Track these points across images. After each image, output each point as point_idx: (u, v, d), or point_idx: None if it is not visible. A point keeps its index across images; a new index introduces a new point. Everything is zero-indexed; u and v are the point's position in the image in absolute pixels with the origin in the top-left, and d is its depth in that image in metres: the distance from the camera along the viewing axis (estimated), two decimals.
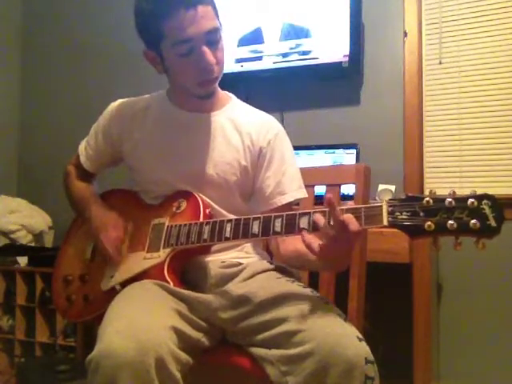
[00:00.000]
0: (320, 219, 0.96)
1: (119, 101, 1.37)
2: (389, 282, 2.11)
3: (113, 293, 1.14)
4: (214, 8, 1.17)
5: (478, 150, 2.20)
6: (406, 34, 2.33)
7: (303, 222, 0.99)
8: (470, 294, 2.17)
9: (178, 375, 0.95)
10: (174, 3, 1.10)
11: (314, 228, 0.98)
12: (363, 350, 0.94)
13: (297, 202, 1.29)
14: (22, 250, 2.69)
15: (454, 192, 0.88)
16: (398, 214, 0.89)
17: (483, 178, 2.15)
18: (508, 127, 2.16)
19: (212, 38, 1.15)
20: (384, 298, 2.13)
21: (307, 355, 0.94)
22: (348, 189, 1.80)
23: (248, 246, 1.29)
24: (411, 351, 1.93)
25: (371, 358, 0.95)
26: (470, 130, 2.22)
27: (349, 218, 0.91)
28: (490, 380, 2.12)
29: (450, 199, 0.86)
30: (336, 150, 2.29)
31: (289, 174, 1.28)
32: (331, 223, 0.93)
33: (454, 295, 2.20)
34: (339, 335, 0.94)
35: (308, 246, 0.95)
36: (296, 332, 0.98)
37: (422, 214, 0.88)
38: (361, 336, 0.97)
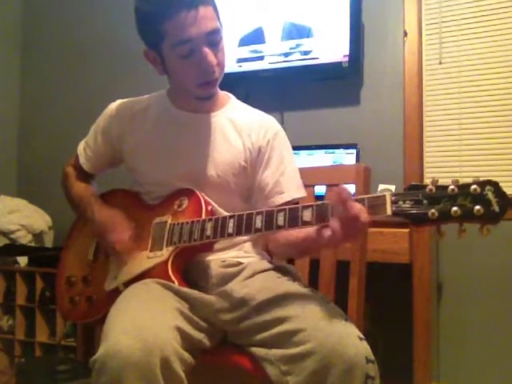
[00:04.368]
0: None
1: (118, 101, 1.36)
2: (389, 282, 2.11)
3: (116, 293, 1.13)
4: (215, 9, 1.17)
5: (478, 150, 2.20)
6: (405, 34, 2.33)
7: (306, 215, 0.99)
8: (470, 294, 2.17)
9: (182, 375, 0.95)
10: (175, 4, 1.10)
11: (318, 220, 0.97)
12: (364, 349, 0.94)
13: (296, 202, 1.29)
14: (22, 250, 2.69)
15: (456, 180, 0.87)
16: (401, 203, 0.89)
17: (483, 178, 2.14)
18: (508, 127, 2.16)
19: (213, 39, 1.15)
20: (384, 298, 2.13)
21: (308, 354, 0.94)
22: (348, 189, 1.80)
23: (247, 246, 1.29)
24: (411, 351, 1.93)
25: (372, 357, 0.95)
26: (470, 130, 2.22)
27: (360, 208, 0.91)
28: (490, 380, 2.12)
29: (452, 186, 0.86)
30: (336, 150, 2.29)
31: (287, 173, 1.28)
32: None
33: (454, 295, 2.20)
34: (340, 334, 0.94)
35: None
36: (296, 331, 0.98)
37: (425, 202, 0.87)
38: (362, 335, 0.97)
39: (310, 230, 1.04)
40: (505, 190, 0.85)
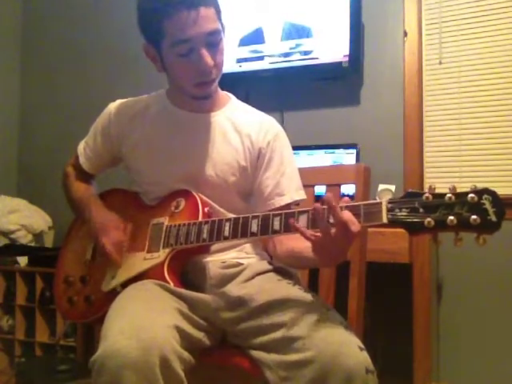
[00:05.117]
0: (318, 209, 0.94)
1: (118, 101, 1.36)
2: (389, 282, 2.11)
3: (114, 294, 1.13)
4: (217, 10, 1.17)
5: (478, 150, 2.20)
6: (405, 34, 2.33)
7: (302, 220, 0.99)
8: (469, 294, 2.17)
9: (181, 374, 0.95)
10: (176, 3, 1.10)
11: (313, 225, 0.97)
12: (364, 359, 0.94)
13: (296, 203, 1.29)
14: (22, 250, 2.69)
15: (454, 187, 0.86)
16: (397, 210, 0.89)
17: (483, 178, 2.15)
18: (508, 127, 2.16)
19: (212, 40, 1.15)
20: (384, 298, 2.13)
21: (308, 362, 0.94)
22: (348, 189, 1.80)
23: (248, 247, 1.29)
24: (411, 351, 1.93)
25: (372, 367, 0.94)
26: (470, 130, 2.22)
27: (350, 218, 0.90)
28: (490, 380, 2.12)
29: (449, 195, 0.85)
30: (336, 150, 2.29)
31: (288, 175, 1.27)
32: (331, 221, 0.93)
33: (454, 295, 2.20)
34: (340, 344, 0.94)
35: (306, 238, 0.95)
36: (296, 338, 0.97)
37: (421, 210, 0.87)
38: (362, 345, 0.96)
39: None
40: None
